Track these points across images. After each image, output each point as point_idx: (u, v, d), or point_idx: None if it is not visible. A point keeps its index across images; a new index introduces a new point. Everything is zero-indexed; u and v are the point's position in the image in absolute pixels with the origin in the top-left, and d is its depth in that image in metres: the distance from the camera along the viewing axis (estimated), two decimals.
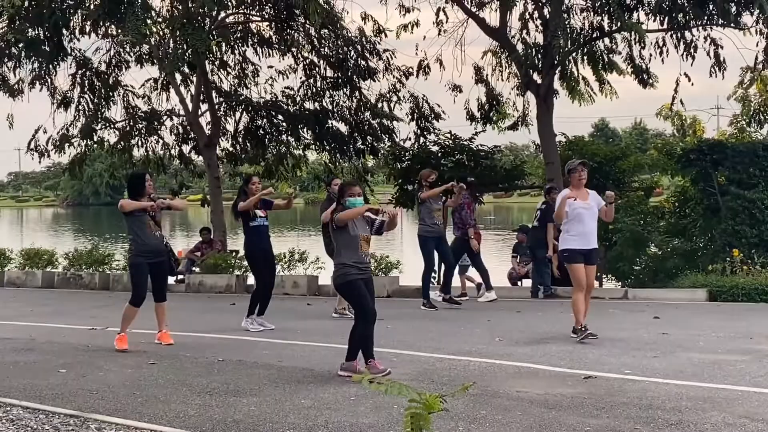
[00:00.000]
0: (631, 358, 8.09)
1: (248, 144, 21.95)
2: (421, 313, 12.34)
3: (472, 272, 14.83)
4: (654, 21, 17.61)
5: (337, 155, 21.52)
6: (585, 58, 19.32)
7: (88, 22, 19.46)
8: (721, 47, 17.55)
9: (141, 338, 9.66)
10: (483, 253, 13.80)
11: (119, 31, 19.69)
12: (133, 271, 9.37)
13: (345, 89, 20.95)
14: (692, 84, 18.11)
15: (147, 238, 9.28)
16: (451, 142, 19.58)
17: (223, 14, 19.89)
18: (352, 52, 20.44)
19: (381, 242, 36.33)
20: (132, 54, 21.16)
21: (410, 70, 20.71)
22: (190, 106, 21.02)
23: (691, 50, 17.62)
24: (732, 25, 16.68)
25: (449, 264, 12.94)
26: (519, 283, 17.30)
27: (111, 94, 21.11)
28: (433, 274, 13.11)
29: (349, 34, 20.26)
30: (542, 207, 14.56)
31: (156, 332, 9.66)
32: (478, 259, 13.45)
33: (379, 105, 21.04)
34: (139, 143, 22.05)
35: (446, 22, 19.87)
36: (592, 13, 18.58)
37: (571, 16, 18.63)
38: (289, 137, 21.90)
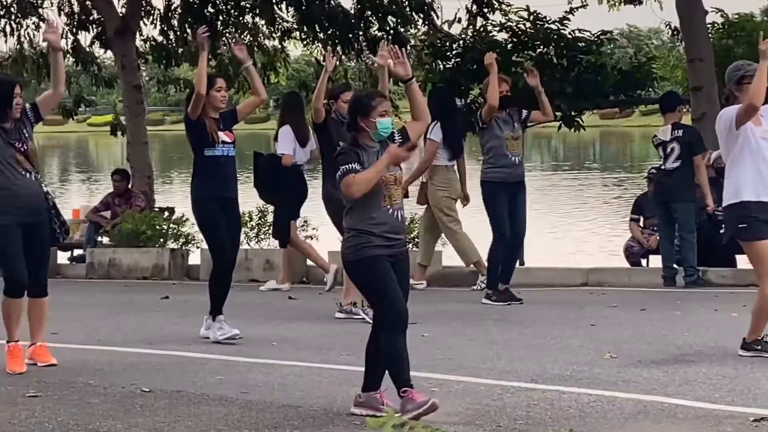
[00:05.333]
0: None
1: (188, 31, 21.89)
2: (479, 313, 12.39)
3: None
4: None
5: (338, 49, 21.42)
6: None
7: None
8: None
9: None
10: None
11: None
12: None
13: None
14: None
15: (18, 184, 9.09)
16: (529, 26, 19.45)
17: None
18: None
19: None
20: None
21: None
22: None
23: None
24: None
25: (517, 231, 13.12)
26: (644, 262, 17.24)
27: None
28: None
29: None
30: (680, 134, 14.40)
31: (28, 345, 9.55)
32: None
33: None
34: (8, 30, 22.17)
35: None
36: None
37: None
38: (257, 19, 21.87)
